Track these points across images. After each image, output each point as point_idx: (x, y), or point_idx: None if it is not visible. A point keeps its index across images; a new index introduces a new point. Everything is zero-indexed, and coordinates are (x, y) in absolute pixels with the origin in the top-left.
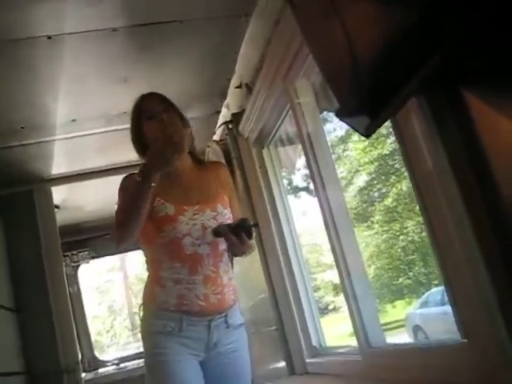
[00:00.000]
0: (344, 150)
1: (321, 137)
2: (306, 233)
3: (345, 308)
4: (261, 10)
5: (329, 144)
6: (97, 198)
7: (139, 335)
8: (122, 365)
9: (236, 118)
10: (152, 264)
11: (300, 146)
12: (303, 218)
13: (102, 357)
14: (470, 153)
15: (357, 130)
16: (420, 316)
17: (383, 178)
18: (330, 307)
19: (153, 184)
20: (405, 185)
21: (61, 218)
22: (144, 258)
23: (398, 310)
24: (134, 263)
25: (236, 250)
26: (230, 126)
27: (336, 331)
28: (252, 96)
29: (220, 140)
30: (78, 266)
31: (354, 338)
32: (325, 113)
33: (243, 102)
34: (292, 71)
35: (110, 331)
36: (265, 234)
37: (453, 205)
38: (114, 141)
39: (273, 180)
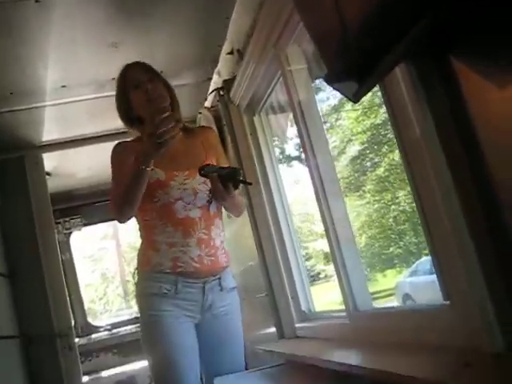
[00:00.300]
0: (337, 120)
1: (312, 105)
2: (299, 202)
3: (335, 277)
4: None
5: (321, 113)
6: (88, 165)
7: (131, 302)
8: (114, 330)
9: (227, 84)
10: (145, 229)
11: (291, 115)
12: (295, 187)
13: (95, 323)
14: (458, 121)
15: (345, 95)
16: (410, 284)
17: (375, 147)
18: (321, 276)
19: (149, 168)
20: (397, 155)
21: (52, 184)
22: (137, 226)
23: (388, 279)
24: (127, 231)
25: (218, 196)
26: (222, 93)
27: (326, 299)
28: (243, 63)
29: (211, 107)
30: (71, 233)
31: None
32: (317, 82)
33: (235, 69)
34: (283, 37)
35: (102, 298)
36: (255, 202)
37: (440, 175)
38: (105, 107)
39: (264, 148)
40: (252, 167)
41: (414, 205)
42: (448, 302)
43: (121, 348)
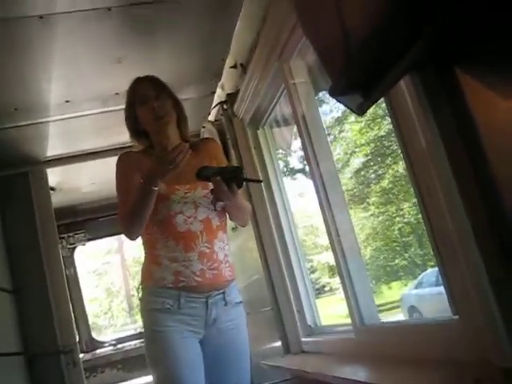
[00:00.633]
0: (340, 132)
1: (316, 118)
2: (303, 214)
3: (341, 289)
4: None
5: (325, 125)
6: (93, 180)
7: (136, 316)
8: (119, 345)
9: (231, 98)
10: (148, 243)
11: (295, 128)
12: (300, 200)
13: (99, 338)
14: (463, 132)
15: (350, 109)
16: (415, 297)
17: (379, 159)
18: (327, 288)
19: (155, 188)
20: (401, 166)
21: (56, 199)
22: (141, 239)
23: (393, 291)
24: (132, 245)
25: (223, 197)
26: (225, 107)
27: (332, 312)
28: (247, 76)
29: (215, 120)
30: (75, 247)
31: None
32: (321, 94)
33: (238, 83)
34: (286, 51)
35: (107, 313)
36: (260, 214)
37: (446, 186)
38: (109, 122)
39: (268, 161)
40: None
41: (418, 216)
42: (457, 317)
43: (125, 363)
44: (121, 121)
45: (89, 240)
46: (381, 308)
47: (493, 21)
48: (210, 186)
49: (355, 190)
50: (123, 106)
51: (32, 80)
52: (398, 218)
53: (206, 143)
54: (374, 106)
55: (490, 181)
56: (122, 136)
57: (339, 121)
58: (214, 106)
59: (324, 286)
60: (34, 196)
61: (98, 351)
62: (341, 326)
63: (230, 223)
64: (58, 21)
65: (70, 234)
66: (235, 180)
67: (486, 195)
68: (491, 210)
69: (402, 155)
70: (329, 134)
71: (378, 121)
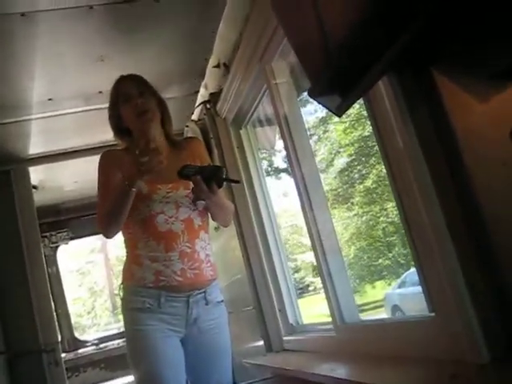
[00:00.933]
0: (325, 132)
1: (298, 118)
2: (288, 214)
3: None
4: None
5: (308, 125)
6: (75, 178)
7: (120, 316)
8: (101, 345)
9: (214, 97)
10: (129, 243)
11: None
12: (284, 199)
13: (82, 337)
14: (440, 133)
15: (329, 109)
16: (398, 296)
17: (363, 159)
18: (310, 288)
19: (133, 189)
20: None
21: (39, 198)
22: (122, 238)
23: (377, 291)
24: (115, 244)
25: (203, 197)
26: (208, 106)
27: (315, 311)
28: (229, 76)
29: (198, 120)
30: (57, 246)
31: None
32: (305, 94)
33: (221, 82)
34: (269, 51)
35: (90, 312)
36: (242, 214)
37: (423, 187)
38: (92, 120)
39: (250, 160)
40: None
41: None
42: (433, 314)
43: (108, 363)
44: (104, 119)
45: (72, 239)
46: (365, 307)
47: (467, 24)
48: (192, 185)
49: (339, 190)
50: (106, 105)
51: (14, 78)
52: (381, 218)
53: (189, 142)
54: (357, 105)
55: (467, 182)
56: (105, 134)
57: (324, 121)
58: (197, 105)
59: (308, 286)
60: (16, 194)
61: (80, 351)
62: (322, 325)
63: (212, 223)
64: (40, 18)
65: (53, 233)
66: (215, 179)
67: (463, 195)
68: (468, 209)
69: (381, 156)
70: (313, 134)
71: (362, 121)
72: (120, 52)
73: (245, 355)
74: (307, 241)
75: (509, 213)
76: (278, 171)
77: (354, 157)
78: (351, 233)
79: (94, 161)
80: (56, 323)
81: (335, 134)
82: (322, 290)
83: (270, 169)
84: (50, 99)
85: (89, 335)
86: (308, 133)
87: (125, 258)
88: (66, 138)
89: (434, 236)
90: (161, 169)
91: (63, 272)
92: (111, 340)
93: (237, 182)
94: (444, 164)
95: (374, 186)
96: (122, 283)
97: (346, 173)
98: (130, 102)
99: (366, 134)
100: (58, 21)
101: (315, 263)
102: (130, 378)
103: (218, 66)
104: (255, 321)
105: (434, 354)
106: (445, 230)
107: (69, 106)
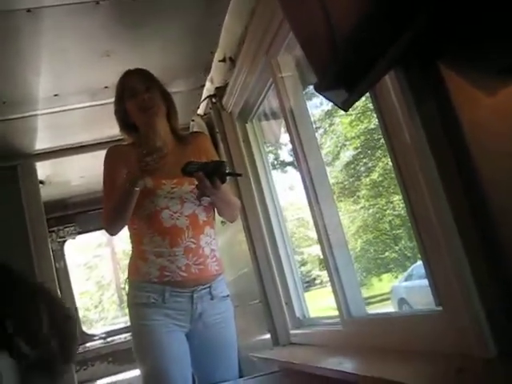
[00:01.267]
0: (331, 125)
1: (304, 112)
2: (294, 207)
3: None
4: None
5: (314, 119)
6: (82, 173)
7: (127, 310)
8: (109, 339)
9: (220, 91)
10: (135, 238)
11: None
12: (291, 193)
13: (89, 331)
14: (447, 127)
15: (335, 104)
16: (405, 289)
17: (369, 152)
18: (317, 281)
19: (137, 188)
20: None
21: (46, 193)
22: (128, 233)
23: (384, 284)
24: (122, 238)
25: (206, 192)
26: (214, 100)
27: (322, 304)
28: (235, 70)
29: (204, 114)
30: (65, 241)
31: None
32: (311, 87)
33: (227, 76)
34: (274, 45)
35: (98, 306)
36: (249, 207)
37: (430, 180)
38: (98, 115)
39: (256, 154)
40: (245, 174)
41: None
42: (440, 308)
43: (116, 356)
44: (110, 114)
45: (79, 233)
46: (371, 300)
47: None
48: (196, 181)
49: (346, 183)
50: (112, 100)
51: (20, 73)
52: (388, 211)
53: (195, 137)
54: (363, 98)
55: (474, 176)
56: (112, 129)
57: (329, 114)
58: (203, 99)
59: (315, 279)
60: (23, 190)
61: (88, 344)
62: (329, 318)
63: (218, 217)
64: (46, 14)
65: (60, 228)
66: (218, 175)
67: (470, 189)
68: (475, 203)
69: (387, 150)
70: (319, 128)
71: (368, 114)
72: (125, 47)
73: (251, 349)
74: (314, 234)
75: None
76: (284, 165)
77: (359, 150)
78: (358, 226)
79: (101, 156)
80: None
81: (341, 127)
82: (329, 284)
83: (276, 162)
84: (56, 95)
85: (96, 329)
86: (314, 126)
87: (130, 253)
88: (72, 133)
89: (441, 229)
90: (166, 164)
91: (70, 266)
92: (118, 334)
93: (239, 175)
94: (451, 157)
95: (380, 179)
96: (128, 278)
97: (352, 166)
98: (136, 97)
99: (372, 126)
100: (64, 16)
101: (322, 256)
102: (137, 371)
103: (223, 60)
104: (262, 314)
105: (440, 348)
106: (451, 223)
107: (75, 101)
